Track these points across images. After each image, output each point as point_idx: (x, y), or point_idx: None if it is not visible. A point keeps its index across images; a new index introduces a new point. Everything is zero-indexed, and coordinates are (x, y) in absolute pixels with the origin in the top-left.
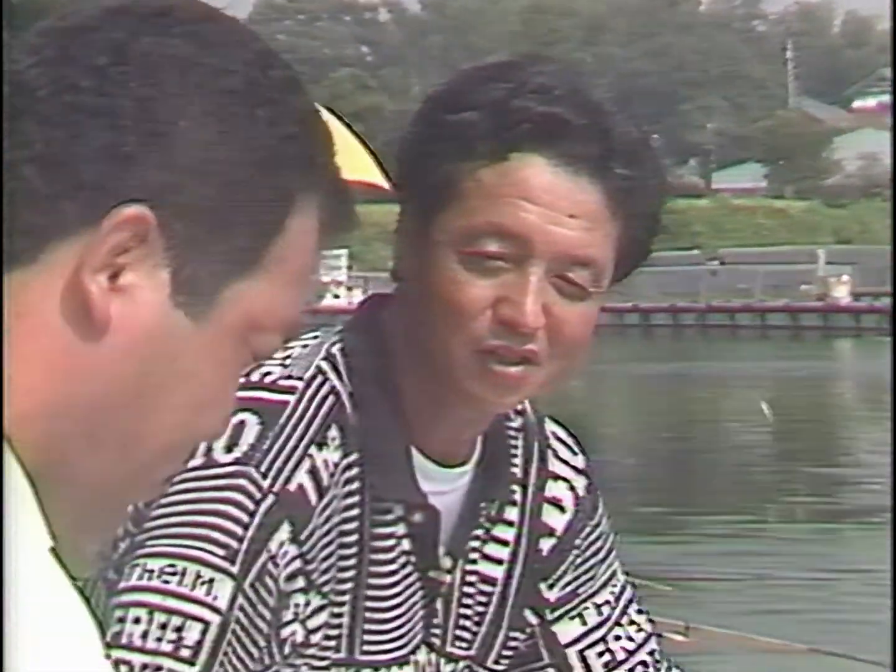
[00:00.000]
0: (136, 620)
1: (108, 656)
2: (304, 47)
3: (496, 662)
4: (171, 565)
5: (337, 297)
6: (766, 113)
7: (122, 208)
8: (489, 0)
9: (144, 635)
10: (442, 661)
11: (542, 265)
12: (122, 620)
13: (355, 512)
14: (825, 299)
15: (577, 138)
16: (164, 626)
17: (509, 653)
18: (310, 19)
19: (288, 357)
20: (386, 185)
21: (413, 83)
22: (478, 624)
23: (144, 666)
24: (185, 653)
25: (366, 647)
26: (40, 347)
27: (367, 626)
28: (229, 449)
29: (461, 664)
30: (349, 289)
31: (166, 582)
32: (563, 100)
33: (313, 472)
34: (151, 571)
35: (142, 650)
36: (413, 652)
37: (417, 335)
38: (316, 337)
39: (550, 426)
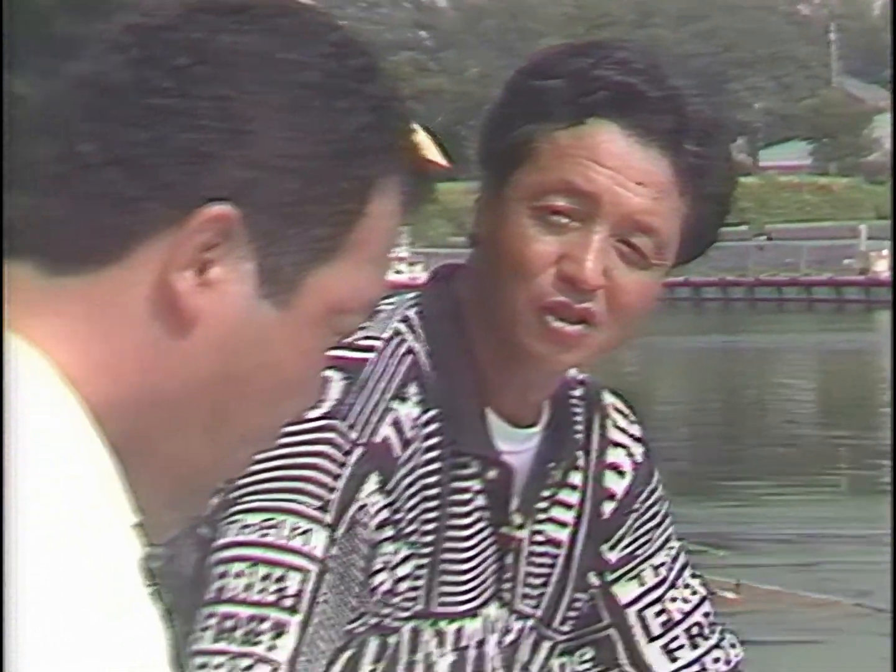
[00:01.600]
0: (239, 574)
1: (211, 614)
2: (366, 32)
3: (562, 623)
4: (269, 519)
5: (399, 272)
6: (810, 92)
7: (206, 208)
8: None
9: (248, 588)
10: (512, 617)
11: (606, 226)
12: (223, 576)
13: (436, 466)
14: (867, 273)
15: (652, 110)
16: (266, 578)
17: (574, 615)
18: (371, 5)
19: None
20: (445, 162)
21: (470, 65)
22: (544, 585)
23: (251, 618)
24: (287, 602)
25: (442, 599)
26: (127, 340)
27: (443, 578)
28: (316, 404)
29: (529, 622)
30: (411, 264)
31: (265, 535)
32: (642, 73)
33: (397, 425)
34: (250, 526)
35: (247, 602)
36: (484, 605)
37: (486, 293)
38: (391, 303)
39: (608, 397)
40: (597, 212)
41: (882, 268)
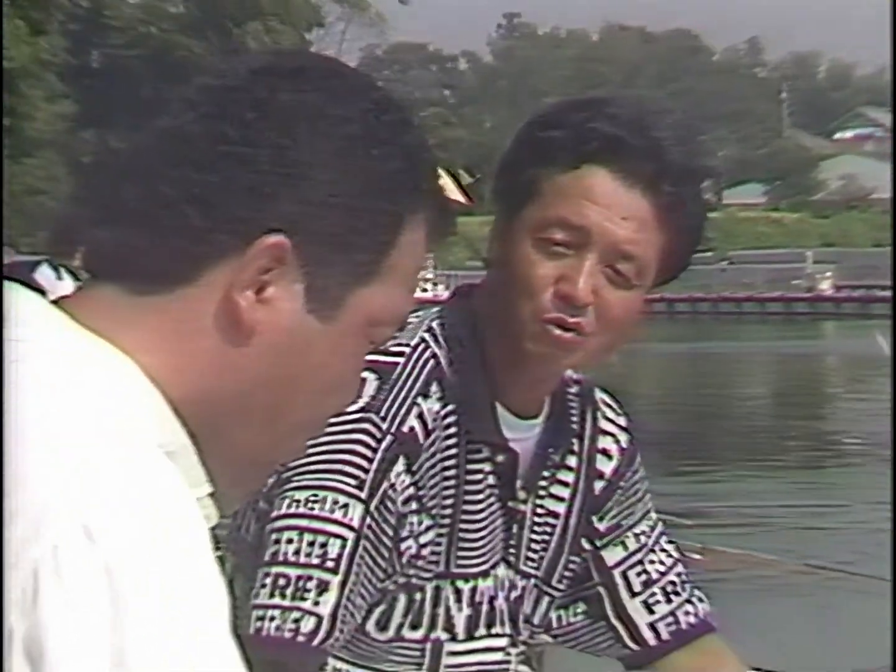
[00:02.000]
0: (289, 541)
1: (266, 574)
2: (399, 91)
3: (559, 582)
4: (314, 495)
5: (425, 290)
6: (764, 143)
7: (265, 238)
8: (546, 51)
9: (297, 552)
10: (518, 576)
11: (596, 254)
12: (277, 542)
13: (454, 451)
14: (812, 291)
15: (636, 158)
16: (311, 544)
17: (569, 574)
18: (404, 69)
19: None
20: (465, 200)
21: (485, 119)
22: (544, 550)
23: (299, 577)
24: (329, 564)
25: (459, 562)
26: (198, 347)
27: (460, 545)
28: (354, 400)
29: (532, 581)
30: (434, 284)
31: (311, 509)
32: (628, 126)
33: (421, 418)
34: (298, 501)
35: (296, 564)
36: (494, 566)
37: (498, 307)
38: (418, 316)
39: (600, 394)
40: (588, 242)
41: (825, 286)
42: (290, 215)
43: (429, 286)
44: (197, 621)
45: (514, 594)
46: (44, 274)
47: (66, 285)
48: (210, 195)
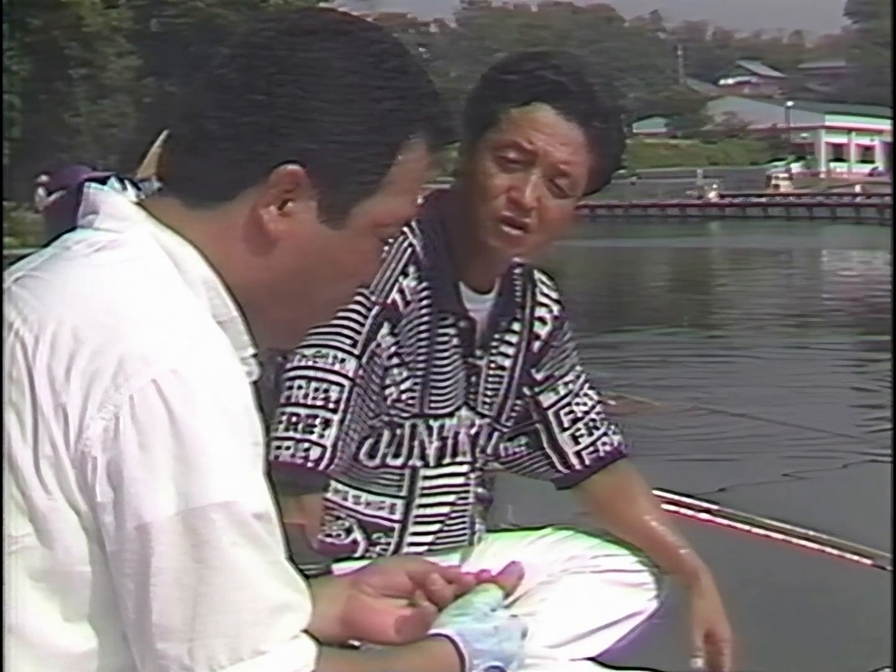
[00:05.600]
0: (300, 387)
1: (282, 413)
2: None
3: (507, 420)
4: (318, 351)
5: None
6: (665, 87)
7: (284, 166)
8: (498, 19)
9: (306, 396)
10: (476, 416)
11: (539, 170)
12: (290, 388)
13: (426, 318)
14: (702, 199)
15: (573, 98)
16: (317, 389)
17: (514, 414)
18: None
19: None
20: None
21: (451, 70)
22: (495, 395)
23: (307, 416)
24: (331, 405)
25: (430, 405)
26: (235, 249)
27: (431, 391)
28: None
29: (486, 419)
30: None
31: (316, 362)
32: (567, 74)
33: (401, 292)
34: (306, 356)
35: (304, 405)
36: (458, 409)
37: (462, 209)
38: None
39: (538, 274)
40: (534, 161)
41: (712, 195)
42: (304, 149)
43: None
44: (242, 449)
45: (472, 430)
46: (112, 185)
47: (130, 195)
48: (243, 133)
